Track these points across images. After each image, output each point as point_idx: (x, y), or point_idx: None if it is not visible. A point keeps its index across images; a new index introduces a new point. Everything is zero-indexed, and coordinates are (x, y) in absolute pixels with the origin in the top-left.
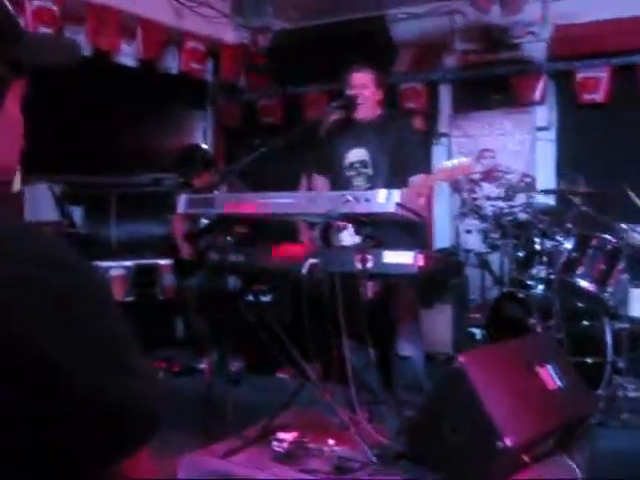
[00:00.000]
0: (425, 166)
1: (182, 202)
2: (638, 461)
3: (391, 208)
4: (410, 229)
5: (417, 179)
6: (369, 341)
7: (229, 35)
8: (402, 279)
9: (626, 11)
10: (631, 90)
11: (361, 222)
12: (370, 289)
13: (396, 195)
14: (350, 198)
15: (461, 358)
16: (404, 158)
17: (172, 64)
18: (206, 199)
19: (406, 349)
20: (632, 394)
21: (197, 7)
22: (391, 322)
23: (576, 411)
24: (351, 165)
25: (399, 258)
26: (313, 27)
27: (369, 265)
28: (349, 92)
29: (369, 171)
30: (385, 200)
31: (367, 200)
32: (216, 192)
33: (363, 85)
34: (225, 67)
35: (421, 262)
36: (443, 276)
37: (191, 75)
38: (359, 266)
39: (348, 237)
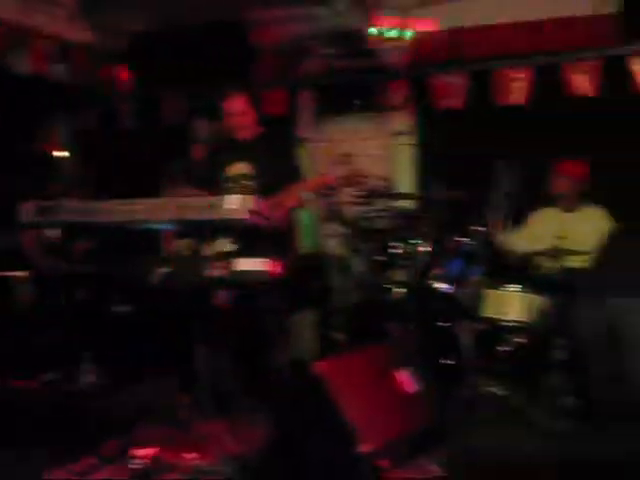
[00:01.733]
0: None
1: (26, 211)
2: (498, 456)
3: (244, 214)
4: (276, 236)
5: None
6: (227, 350)
7: (81, 35)
8: (258, 286)
9: (483, 19)
10: (486, 95)
11: (230, 229)
12: (224, 297)
13: (249, 202)
14: (204, 204)
15: (318, 366)
16: (283, 171)
17: (21, 64)
18: (53, 207)
19: (275, 357)
20: (490, 392)
21: (46, 5)
22: (258, 330)
23: (435, 413)
24: (231, 178)
25: (254, 265)
26: (172, 31)
27: (222, 273)
28: (227, 121)
29: (249, 183)
30: (238, 206)
31: (219, 207)
32: (66, 200)
33: (240, 112)
34: (78, 68)
35: (276, 269)
36: (305, 282)
37: (43, 76)
38: (212, 274)
39: (222, 245)
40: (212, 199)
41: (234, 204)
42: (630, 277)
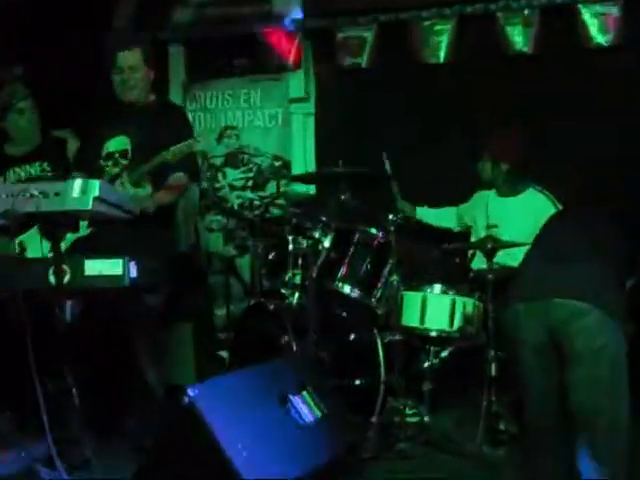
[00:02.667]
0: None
1: None
2: None
3: (88, 204)
4: (141, 231)
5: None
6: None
7: None
8: (111, 295)
9: None
10: (400, 52)
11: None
12: (69, 310)
13: (95, 188)
14: (35, 192)
15: (191, 391)
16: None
17: None
18: None
19: (142, 383)
20: (410, 419)
21: None
22: (118, 352)
23: (341, 446)
24: (109, 155)
25: (106, 269)
26: None
27: (66, 279)
28: (116, 76)
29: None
30: (80, 194)
31: (57, 194)
32: None
33: (132, 67)
34: None
35: (135, 272)
36: (178, 288)
37: None
38: (53, 281)
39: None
40: (47, 186)
41: (75, 191)
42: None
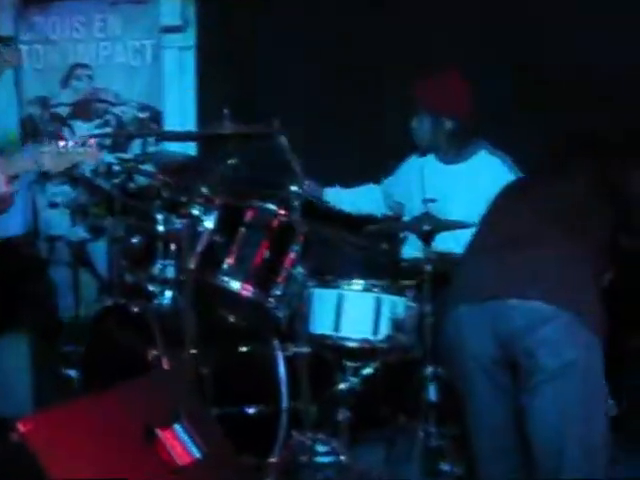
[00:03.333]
0: None
1: None
2: None
3: None
4: None
5: None
6: None
7: None
8: None
9: None
10: None
11: None
12: None
13: None
14: None
15: (23, 426)
16: None
17: None
18: None
19: None
20: (322, 458)
21: None
22: None
23: None
24: None
25: None
26: None
27: None
28: None
29: None
30: None
31: None
32: None
33: None
34: None
35: None
36: (6, 286)
37: None
38: None
39: None
40: None
41: None
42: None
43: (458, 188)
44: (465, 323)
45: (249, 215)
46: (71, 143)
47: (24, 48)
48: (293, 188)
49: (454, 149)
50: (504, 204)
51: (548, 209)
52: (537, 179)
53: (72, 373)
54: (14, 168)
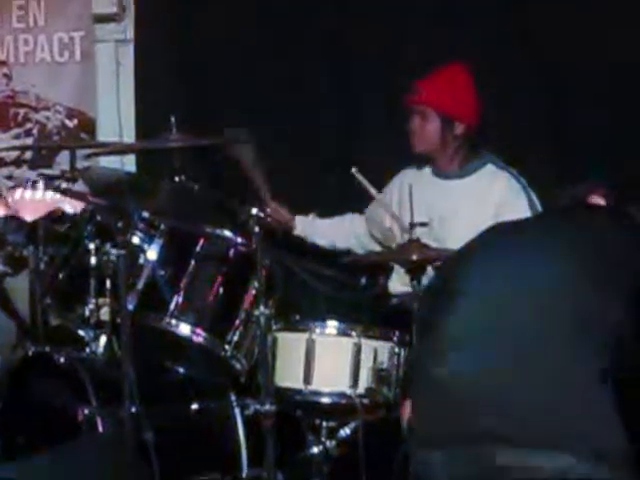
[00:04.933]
0: None
1: None
2: None
3: None
4: None
5: None
6: None
7: None
8: None
9: None
10: None
11: None
12: None
13: None
14: None
15: None
16: None
17: None
18: None
19: None
20: None
21: None
22: None
23: None
24: None
25: None
26: None
27: None
28: None
29: None
30: None
31: None
32: None
33: None
34: None
35: None
36: None
37: None
38: None
39: None
40: None
41: None
42: None
43: (460, 208)
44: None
45: (201, 244)
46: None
47: None
48: (254, 211)
49: (459, 160)
50: (490, 270)
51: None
52: (542, 224)
53: None
54: None
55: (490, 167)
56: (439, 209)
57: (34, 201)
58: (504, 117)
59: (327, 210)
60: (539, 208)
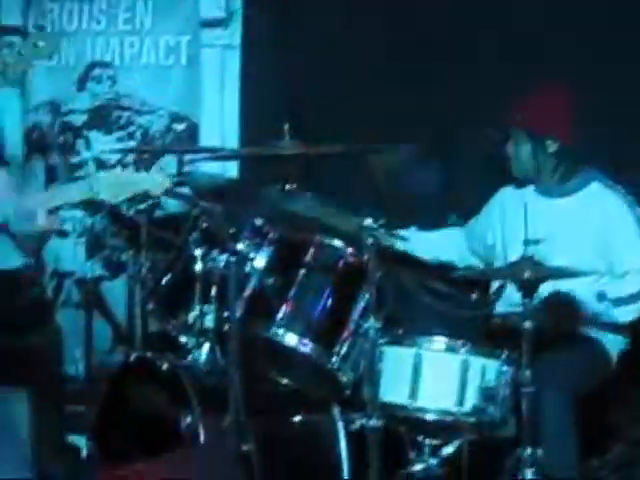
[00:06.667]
0: None
1: None
2: None
3: None
4: None
5: None
6: None
7: None
8: None
9: None
10: None
11: None
12: None
13: None
14: None
15: None
16: None
17: None
18: None
19: None
20: None
21: None
22: None
23: None
24: None
25: None
26: None
27: None
28: None
29: None
30: None
31: None
32: None
33: None
34: None
35: None
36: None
37: None
38: None
39: None
40: None
41: None
42: None
43: (562, 227)
44: None
45: (310, 253)
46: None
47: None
48: (367, 222)
49: (558, 178)
50: None
51: None
52: None
53: (79, 441)
54: (58, 199)
55: (595, 185)
56: (542, 227)
57: (118, 183)
58: (609, 132)
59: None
60: None
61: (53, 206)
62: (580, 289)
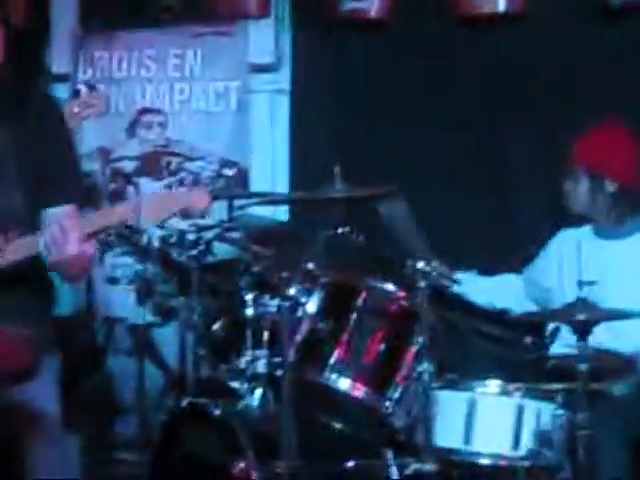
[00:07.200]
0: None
1: None
2: None
3: None
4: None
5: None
6: None
7: None
8: None
9: None
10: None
11: None
12: None
13: None
14: None
15: None
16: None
17: None
18: None
19: None
20: None
21: None
22: None
23: None
24: None
25: None
26: None
27: None
28: None
29: None
30: None
31: None
32: None
33: None
34: None
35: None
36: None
37: None
38: None
39: None
40: None
41: None
42: None
43: (618, 269)
44: None
45: (362, 297)
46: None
47: (82, 89)
48: (420, 265)
49: (615, 219)
50: None
51: None
52: None
53: None
54: (96, 224)
55: None
56: (598, 269)
57: (159, 202)
58: None
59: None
60: None
61: (90, 231)
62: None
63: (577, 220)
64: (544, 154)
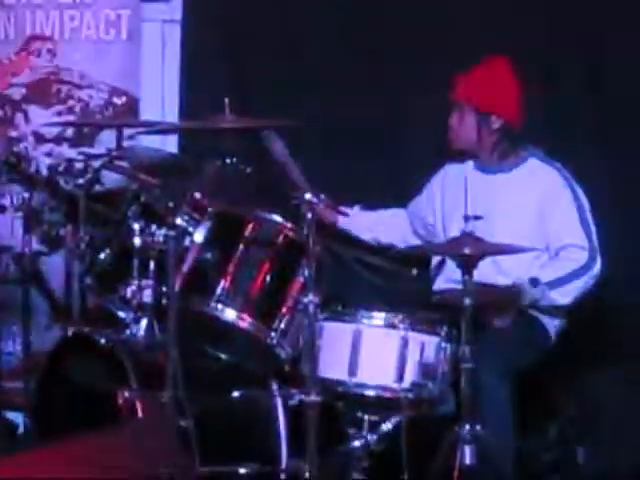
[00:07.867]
0: None
1: None
2: None
3: None
4: None
5: None
6: None
7: None
8: None
9: None
10: None
11: None
12: None
13: None
14: None
15: None
16: None
17: None
18: None
19: None
20: None
21: None
22: None
23: None
24: None
25: None
26: None
27: None
28: None
29: None
30: None
31: None
32: None
33: None
34: None
35: None
36: None
37: None
38: None
39: None
40: None
41: None
42: None
43: (501, 203)
44: None
45: (249, 228)
46: None
47: None
48: (307, 196)
49: (499, 155)
50: None
51: None
52: None
53: (15, 417)
54: None
55: (533, 161)
56: (481, 204)
57: None
58: (550, 110)
59: (369, 202)
60: (584, 202)
61: None
62: (513, 276)
63: (459, 155)
64: (438, 95)
